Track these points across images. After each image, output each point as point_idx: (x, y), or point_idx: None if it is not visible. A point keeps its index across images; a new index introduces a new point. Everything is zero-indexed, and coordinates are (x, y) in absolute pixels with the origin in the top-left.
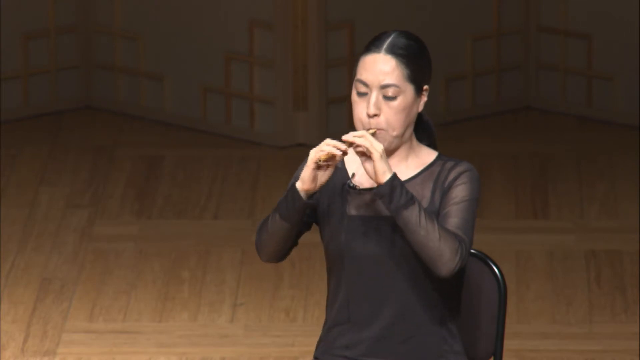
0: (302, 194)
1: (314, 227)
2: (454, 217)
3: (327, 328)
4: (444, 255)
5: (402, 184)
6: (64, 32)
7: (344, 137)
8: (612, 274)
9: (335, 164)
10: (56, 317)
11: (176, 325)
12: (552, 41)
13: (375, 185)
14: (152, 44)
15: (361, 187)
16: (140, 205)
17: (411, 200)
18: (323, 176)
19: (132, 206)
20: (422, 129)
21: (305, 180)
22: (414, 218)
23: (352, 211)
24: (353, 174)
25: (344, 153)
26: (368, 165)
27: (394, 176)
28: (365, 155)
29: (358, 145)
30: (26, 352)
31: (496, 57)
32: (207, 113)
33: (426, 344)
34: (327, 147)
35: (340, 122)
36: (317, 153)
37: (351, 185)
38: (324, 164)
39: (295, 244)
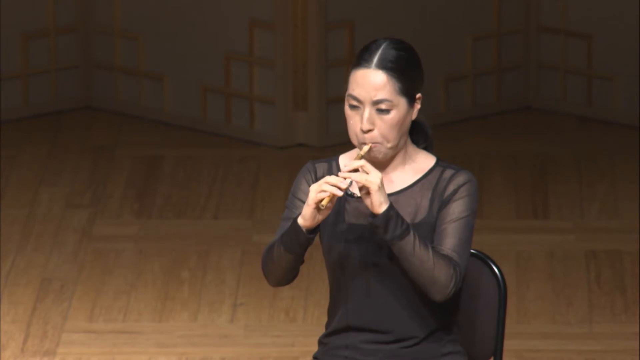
0: (304, 229)
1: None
2: (451, 238)
3: (328, 333)
4: (438, 283)
5: (398, 214)
6: (64, 32)
7: (341, 174)
8: (612, 274)
9: (336, 198)
10: (56, 317)
11: (176, 325)
12: (552, 41)
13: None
14: (152, 44)
15: (359, 195)
16: (140, 205)
17: (406, 230)
18: (324, 213)
19: (132, 206)
20: (417, 131)
21: (306, 218)
22: (408, 248)
23: (351, 219)
24: (351, 182)
25: (345, 190)
26: (367, 200)
27: (390, 207)
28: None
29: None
30: (26, 352)
31: (496, 57)
32: (207, 113)
33: (426, 346)
34: (328, 187)
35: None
36: (318, 194)
37: (349, 193)
38: (327, 205)
39: (302, 262)
